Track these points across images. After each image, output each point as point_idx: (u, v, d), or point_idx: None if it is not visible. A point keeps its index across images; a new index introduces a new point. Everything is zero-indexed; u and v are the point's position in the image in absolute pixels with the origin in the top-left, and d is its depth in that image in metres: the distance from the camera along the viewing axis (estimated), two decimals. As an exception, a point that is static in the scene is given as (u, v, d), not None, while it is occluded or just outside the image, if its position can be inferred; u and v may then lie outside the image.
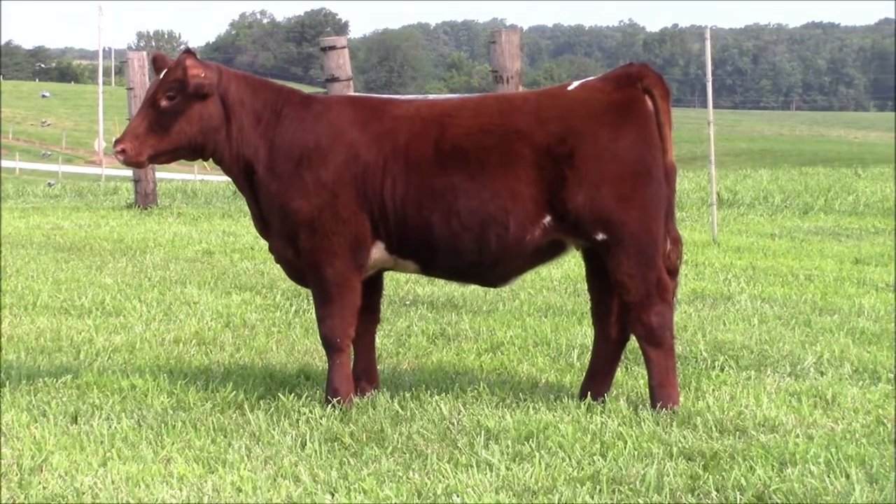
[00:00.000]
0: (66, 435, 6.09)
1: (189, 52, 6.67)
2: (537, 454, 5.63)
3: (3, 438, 6.02)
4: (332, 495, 5.21)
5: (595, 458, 5.60)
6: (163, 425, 6.23)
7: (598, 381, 6.73)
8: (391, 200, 6.48)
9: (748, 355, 7.76)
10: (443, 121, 6.52)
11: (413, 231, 6.50)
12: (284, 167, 6.59)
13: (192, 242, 14.78)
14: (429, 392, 6.82)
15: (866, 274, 11.61)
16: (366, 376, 6.94)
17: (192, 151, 6.74)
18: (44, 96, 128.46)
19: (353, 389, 6.74)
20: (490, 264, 6.55)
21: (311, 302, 6.87)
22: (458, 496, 5.15)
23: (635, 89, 6.49)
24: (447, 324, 9.02)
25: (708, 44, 15.71)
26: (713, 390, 6.85)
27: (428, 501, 5.14)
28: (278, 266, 7.05)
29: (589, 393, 6.66)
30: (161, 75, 6.68)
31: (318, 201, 6.52)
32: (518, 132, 6.43)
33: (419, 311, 9.64)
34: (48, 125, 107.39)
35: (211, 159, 6.80)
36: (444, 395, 6.78)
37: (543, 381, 7.23)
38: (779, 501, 5.06)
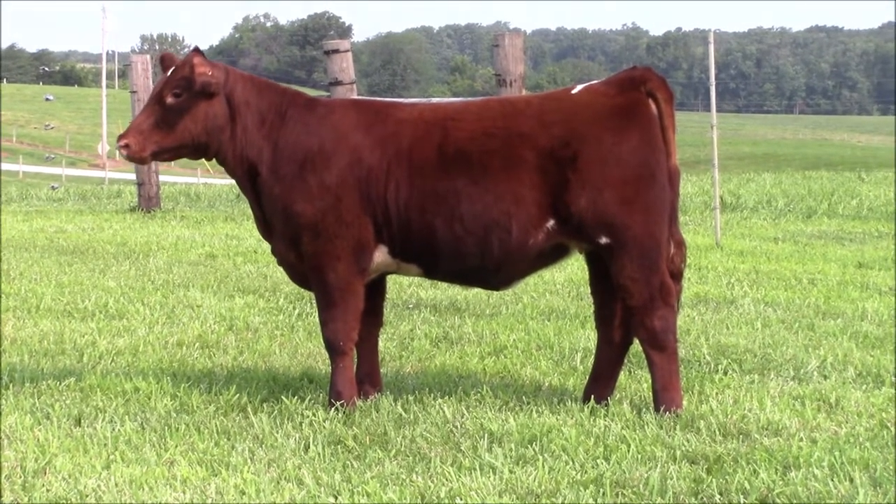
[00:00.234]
0: (69, 438, 6.10)
1: (197, 50, 6.68)
2: (540, 457, 5.63)
3: (6, 441, 6.03)
4: (336, 498, 5.21)
5: (598, 461, 5.59)
6: (166, 428, 6.24)
7: (601, 384, 6.73)
8: (394, 204, 6.48)
9: (751, 359, 7.75)
10: (446, 124, 6.52)
11: (416, 235, 6.50)
12: (288, 170, 6.59)
13: (196, 246, 14.79)
14: (432, 395, 6.82)
15: (869, 278, 11.61)
16: (369, 379, 6.94)
17: (196, 150, 6.74)
18: (47, 99, 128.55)
19: (357, 392, 6.74)
20: (493, 268, 6.54)
21: (315, 305, 6.87)
22: (461, 499, 5.15)
23: (639, 93, 6.49)
24: (450, 327, 9.02)
25: (711, 47, 15.70)
26: (716, 394, 6.84)
27: (431, 504, 5.15)
28: (281, 269, 7.06)
29: (592, 396, 6.66)
30: (168, 73, 6.69)
31: (321, 204, 6.52)
32: (521, 136, 6.43)
33: (422, 314, 9.64)
34: (52, 128, 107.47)
35: (214, 159, 6.81)
36: (447, 398, 6.78)
37: (546, 384, 7.23)
38: (782, 505, 5.06)
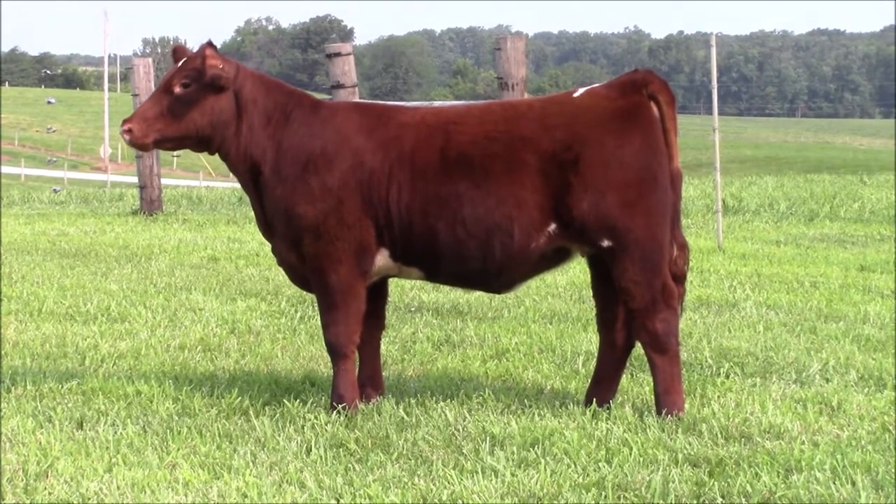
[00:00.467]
0: (71, 441, 6.10)
1: (210, 44, 6.68)
2: (542, 460, 5.63)
3: (8, 444, 6.03)
4: (338, 501, 5.21)
5: (600, 464, 5.59)
6: (168, 431, 6.24)
7: (603, 387, 6.73)
8: (396, 207, 6.49)
9: (753, 362, 7.75)
10: (448, 128, 6.53)
11: (418, 238, 6.51)
12: (290, 171, 6.59)
13: (198, 249, 14.78)
14: (434, 398, 6.82)
15: (871, 281, 11.60)
16: (371, 382, 6.94)
17: (199, 143, 6.74)
18: (49, 103, 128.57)
19: (359, 396, 6.74)
20: (495, 272, 6.55)
21: (316, 308, 6.87)
22: (463, 502, 5.16)
23: (641, 96, 6.49)
24: (452, 330, 9.02)
25: (713, 50, 15.70)
26: (718, 397, 6.84)
27: (433, 508, 5.15)
28: (282, 271, 7.06)
29: (594, 399, 6.66)
30: (179, 63, 6.69)
31: (323, 207, 6.52)
32: (523, 139, 6.43)
33: (424, 317, 9.65)
34: (53, 131, 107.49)
35: (217, 154, 6.80)
36: (449, 401, 6.78)
37: (548, 387, 7.23)
38: (784, 508, 5.06)
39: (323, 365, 7.81)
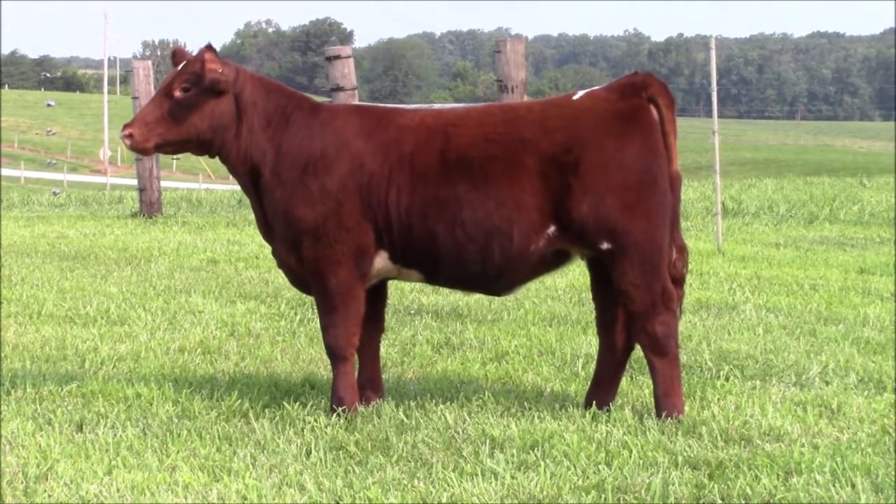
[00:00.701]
0: (71, 443, 6.10)
1: (210, 47, 6.68)
2: (542, 463, 5.63)
3: (8, 447, 6.03)
4: (337, 503, 5.22)
5: (600, 466, 5.59)
6: (168, 434, 6.24)
7: (603, 390, 6.73)
8: (396, 210, 6.49)
9: (753, 365, 7.75)
10: (448, 130, 6.53)
11: (417, 241, 6.51)
12: (290, 174, 6.60)
13: (197, 251, 14.78)
14: (434, 401, 6.82)
15: (871, 283, 11.61)
16: (371, 385, 6.94)
17: (199, 146, 6.74)
18: (49, 105, 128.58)
19: (358, 398, 6.74)
20: (494, 274, 6.54)
21: (316, 311, 6.87)
22: (462, 505, 5.16)
23: (640, 99, 6.50)
24: (452, 333, 9.02)
25: (713, 53, 15.71)
26: (718, 400, 6.84)
27: (433, 510, 5.15)
28: (282, 274, 7.05)
29: (594, 402, 6.66)
30: (179, 67, 6.69)
31: (322, 209, 6.53)
32: (523, 141, 6.43)
33: (424, 320, 9.65)
34: (53, 134, 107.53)
35: (217, 157, 6.81)
36: (449, 403, 6.78)
37: (548, 390, 7.23)
38: (784, 511, 5.06)
39: (323, 367, 7.81)
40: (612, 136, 6.41)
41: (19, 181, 72.62)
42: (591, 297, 6.96)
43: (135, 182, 22.27)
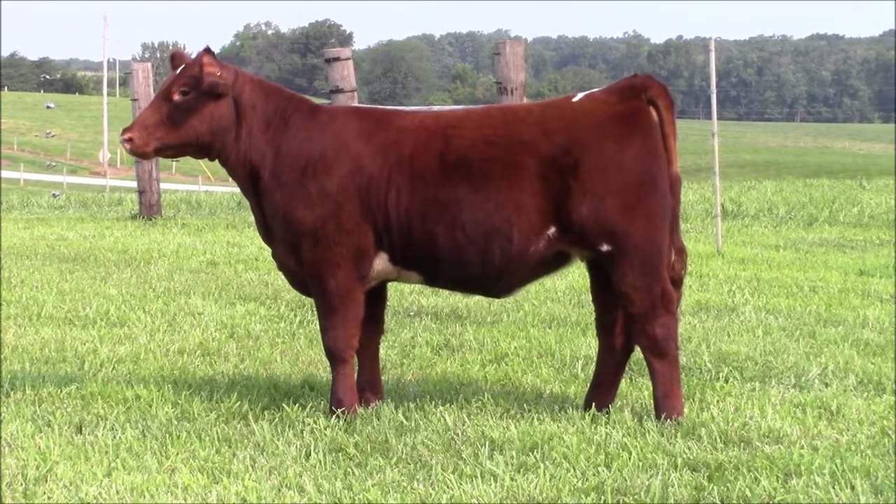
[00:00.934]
0: (70, 445, 6.10)
1: (208, 50, 6.69)
2: (542, 465, 5.63)
3: (7, 448, 6.03)
4: (337, 506, 5.21)
5: (599, 468, 5.59)
6: (167, 436, 6.24)
7: (602, 391, 6.73)
8: (395, 212, 6.49)
9: (753, 366, 7.75)
10: (447, 132, 6.53)
11: (417, 242, 6.51)
12: (289, 176, 6.60)
13: (197, 253, 14.79)
14: (433, 403, 6.82)
15: (870, 285, 11.61)
16: (370, 387, 6.94)
17: (199, 149, 6.74)
18: (48, 107, 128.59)
19: (358, 400, 6.74)
20: (494, 276, 6.54)
21: (315, 313, 6.87)
22: (462, 507, 5.16)
23: (640, 100, 6.50)
24: (451, 334, 9.02)
25: (712, 55, 15.71)
26: (718, 401, 6.84)
27: (432, 512, 5.15)
28: (281, 275, 7.05)
29: (593, 404, 6.66)
30: (178, 70, 6.69)
31: (321, 212, 6.53)
32: (523, 143, 6.43)
33: (423, 321, 9.65)
34: (53, 136, 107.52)
35: (217, 160, 6.81)
36: (448, 405, 6.78)
37: (548, 391, 7.23)
38: (783, 513, 5.06)
39: (322, 369, 7.81)
40: (612, 138, 6.41)
41: (19, 183, 72.62)
42: (590, 298, 6.97)
43: (134, 184, 22.28)
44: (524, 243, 6.42)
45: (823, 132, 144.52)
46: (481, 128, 6.52)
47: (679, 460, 5.71)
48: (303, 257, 6.61)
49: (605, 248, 6.39)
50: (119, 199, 29.66)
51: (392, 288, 9.74)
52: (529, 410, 6.66)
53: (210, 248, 15.29)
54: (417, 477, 5.54)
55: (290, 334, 9.20)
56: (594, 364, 6.98)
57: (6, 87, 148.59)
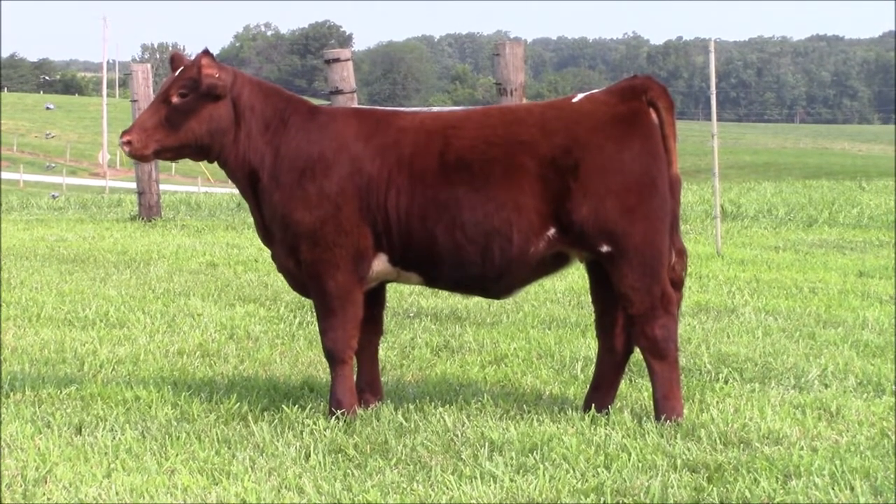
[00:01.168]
0: (70, 446, 6.10)
1: (206, 52, 6.68)
2: (541, 466, 5.63)
3: (7, 450, 6.03)
4: (336, 507, 5.21)
5: (599, 469, 5.59)
6: (167, 437, 6.23)
7: (602, 393, 6.73)
8: (395, 212, 6.48)
9: (752, 368, 7.75)
10: (447, 133, 6.52)
11: (416, 243, 6.50)
12: (288, 177, 6.59)
13: (196, 254, 14.79)
14: (433, 404, 6.82)
15: (870, 286, 11.61)
16: (369, 388, 6.94)
17: (198, 151, 6.74)
18: (48, 108, 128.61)
19: (357, 401, 6.74)
20: (494, 276, 6.54)
21: (314, 314, 6.88)
22: (461, 508, 5.15)
23: (640, 102, 6.49)
24: (451, 336, 9.01)
25: (712, 56, 15.71)
26: (717, 402, 6.84)
27: (432, 513, 5.15)
28: (281, 277, 7.05)
29: (593, 405, 6.66)
30: (176, 73, 6.69)
31: (320, 213, 6.52)
32: (523, 144, 6.43)
33: (423, 322, 9.64)
34: (52, 137, 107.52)
35: (216, 162, 6.81)
36: (447, 406, 6.77)
37: (547, 393, 7.23)
38: (783, 514, 5.06)
39: (321, 370, 7.81)
40: (612, 138, 6.41)
41: (18, 184, 72.63)
42: (590, 300, 6.96)
43: (134, 185, 22.29)
44: (524, 244, 6.41)
45: (823, 133, 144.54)
46: (481, 128, 6.52)
47: (679, 461, 5.71)
48: (302, 258, 6.61)
49: (604, 249, 6.38)
50: (118, 200, 29.68)
51: (391, 289, 9.74)
52: (529, 412, 6.66)
53: (209, 250, 15.29)
54: (417, 478, 5.54)
55: (289, 336, 9.20)
56: (594, 365, 6.98)
57: (6, 88, 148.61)
